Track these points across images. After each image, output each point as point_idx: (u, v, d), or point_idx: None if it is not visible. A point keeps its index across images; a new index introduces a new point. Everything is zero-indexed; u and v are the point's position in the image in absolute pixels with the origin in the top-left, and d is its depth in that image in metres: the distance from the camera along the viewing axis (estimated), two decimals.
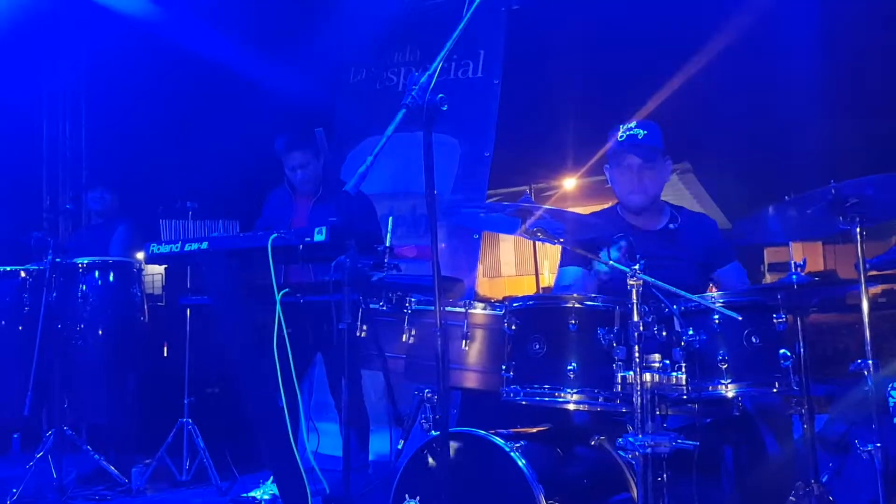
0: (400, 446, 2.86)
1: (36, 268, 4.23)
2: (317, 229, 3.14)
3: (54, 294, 4.09)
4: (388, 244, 2.95)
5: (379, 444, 4.00)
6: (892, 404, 3.21)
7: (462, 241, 4.57)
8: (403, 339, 2.74)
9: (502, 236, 8.97)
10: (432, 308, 2.17)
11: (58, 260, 4.11)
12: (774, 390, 2.30)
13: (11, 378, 4.11)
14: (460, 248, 4.58)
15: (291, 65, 4.95)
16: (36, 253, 4.24)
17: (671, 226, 3.00)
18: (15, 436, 5.23)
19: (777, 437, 2.68)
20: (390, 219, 3.01)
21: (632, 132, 2.93)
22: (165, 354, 5.37)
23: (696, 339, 2.26)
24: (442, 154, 4.51)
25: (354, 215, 3.89)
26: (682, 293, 2.23)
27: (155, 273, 5.98)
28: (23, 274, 4.25)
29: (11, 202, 5.11)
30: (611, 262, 2.30)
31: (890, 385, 3.24)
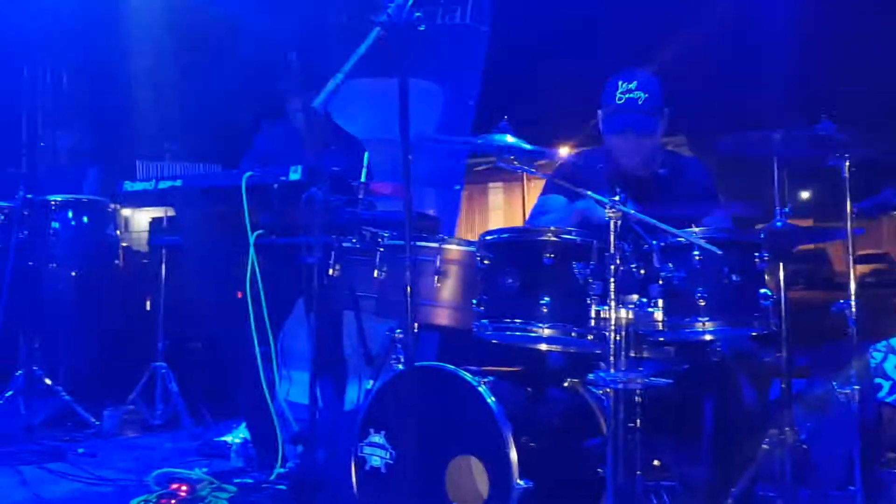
0: (369, 386, 2.80)
1: (8, 205, 4.13)
2: (292, 168, 3.06)
3: (25, 232, 4.00)
4: (363, 179, 2.86)
5: (355, 394, 3.94)
6: (873, 365, 3.18)
7: (443, 195, 4.49)
8: (375, 276, 2.66)
9: (492, 205, 8.86)
10: (404, 243, 2.10)
11: (30, 196, 4.02)
12: (753, 332, 2.24)
13: None
14: (441, 202, 4.50)
15: (274, 5, 4.82)
16: (7, 189, 4.14)
17: (661, 171, 2.91)
18: None
19: (754, 386, 2.62)
20: (366, 154, 2.92)
21: (631, 95, 2.75)
22: (148, 308, 5.29)
23: (675, 275, 2.19)
24: (424, 100, 4.41)
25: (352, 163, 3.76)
26: (662, 226, 2.15)
27: (142, 230, 5.90)
28: None
29: None
30: (589, 193, 2.21)
31: (872, 347, 3.21)
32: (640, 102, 2.74)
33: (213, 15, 5.03)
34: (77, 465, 3.57)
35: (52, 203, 4.19)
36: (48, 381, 4.19)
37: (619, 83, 2.78)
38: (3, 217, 4.13)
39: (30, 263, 4.04)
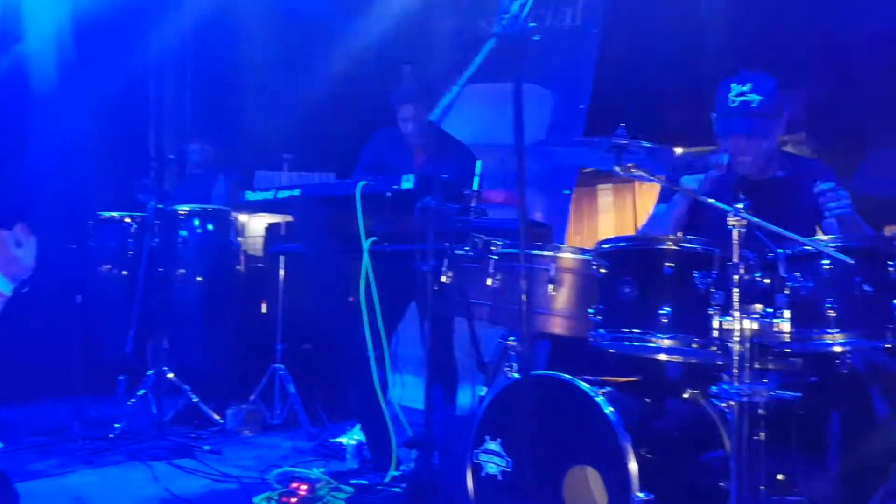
0: (482, 393, 2.82)
1: (140, 214, 4.39)
2: (404, 177, 3.11)
3: (156, 240, 4.24)
4: (475, 188, 2.88)
5: (467, 398, 3.97)
6: None
7: (552, 200, 4.46)
8: (488, 284, 2.67)
9: (601, 208, 8.67)
10: (518, 252, 2.10)
11: (160, 206, 4.25)
12: (887, 344, 2.12)
13: (117, 320, 4.26)
14: (550, 206, 4.47)
15: (382, 16, 4.91)
16: (139, 200, 4.38)
17: (779, 173, 2.80)
18: (121, 378, 5.49)
19: (887, 399, 2.48)
20: (478, 162, 2.94)
21: (745, 98, 2.65)
22: (264, 311, 5.50)
23: (803, 285, 2.10)
24: (534, 105, 4.38)
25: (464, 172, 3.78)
26: (789, 234, 2.07)
27: (257, 235, 6.14)
28: (127, 220, 4.42)
29: (121, 153, 5.31)
30: (710, 201, 2.16)
31: None
32: (753, 105, 2.64)
33: (324, 27, 5.19)
34: (203, 461, 3.75)
35: (180, 213, 4.42)
36: (177, 381, 4.42)
37: (733, 86, 2.69)
38: (136, 226, 4.39)
39: (160, 270, 4.27)
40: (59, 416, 4.40)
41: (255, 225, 5.93)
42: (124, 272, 4.38)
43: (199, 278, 4.43)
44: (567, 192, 4.42)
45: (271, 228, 5.57)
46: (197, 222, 4.46)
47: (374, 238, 3.19)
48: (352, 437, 3.73)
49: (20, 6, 2.85)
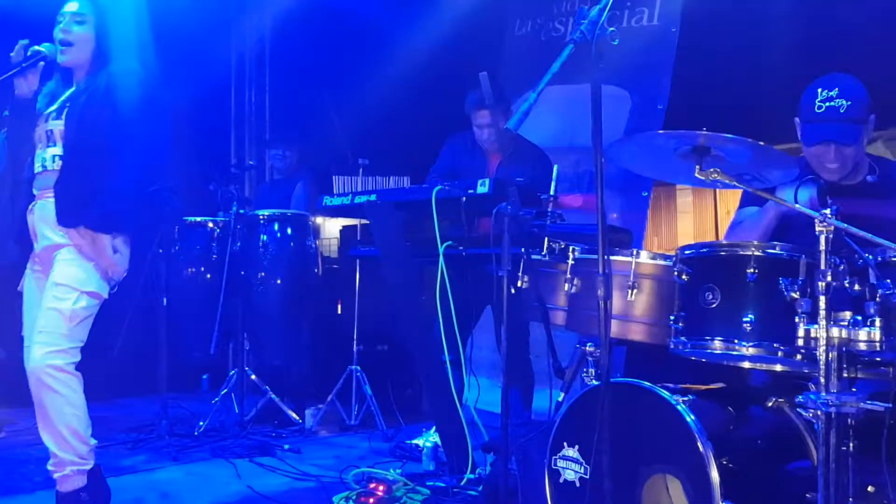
0: (560, 399, 2.82)
1: (222, 219, 4.53)
2: (480, 181, 3.13)
3: (238, 244, 4.37)
4: (552, 193, 2.87)
5: (542, 402, 3.95)
6: None
7: (630, 202, 4.39)
8: (566, 290, 2.66)
9: (680, 208, 8.52)
10: (596, 257, 2.09)
11: (241, 211, 4.38)
12: None
13: (201, 321, 4.41)
14: (628, 209, 4.41)
15: (456, 21, 4.92)
16: (222, 205, 4.52)
17: (869, 178, 2.69)
18: (204, 376, 5.70)
19: None
20: (555, 167, 2.93)
21: (832, 103, 2.55)
22: (339, 312, 5.60)
23: (895, 292, 2.02)
24: (611, 106, 4.32)
25: (540, 177, 3.77)
26: (880, 240, 2.00)
27: (332, 238, 6.26)
28: (210, 224, 4.56)
29: (203, 159, 5.49)
30: (797, 206, 2.10)
31: None
32: (841, 111, 2.54)
33: (398, 33, 5.25)
34: (283, 460, 3.85)
35: (261, 217, 4.54)
36: (258, 381, 4.54)
37: (819, 90, 2.59)
38: (219, 231, 4.53)
39: (241, 273, 4.40)
40: (147, 413, 4.58)
41: (330, 227, 6.03)
42: (208, 275, 4.53)
43: (278, 281, 4.55)
44: (645, 193, 4.35)
45: (346, 231, 5.66)
46: (276, 227, 4.57)
47: (449, 242, 3.21)
48: (427, 439, 3.77)
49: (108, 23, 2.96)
